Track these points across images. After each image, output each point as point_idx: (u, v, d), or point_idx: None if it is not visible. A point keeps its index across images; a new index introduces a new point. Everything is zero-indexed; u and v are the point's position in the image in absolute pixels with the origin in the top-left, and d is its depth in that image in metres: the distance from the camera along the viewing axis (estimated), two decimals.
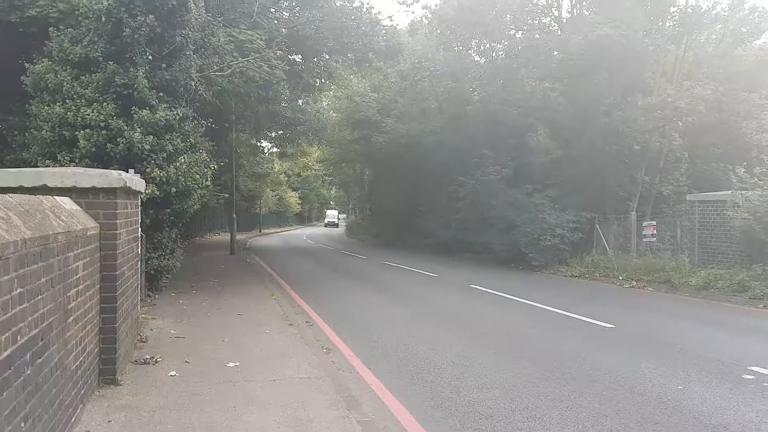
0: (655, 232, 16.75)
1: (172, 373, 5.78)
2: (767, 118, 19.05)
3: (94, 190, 5.11)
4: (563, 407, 5.19)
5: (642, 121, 17.90)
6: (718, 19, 21.38)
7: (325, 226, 74.09)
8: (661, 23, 20.75)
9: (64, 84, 9.26)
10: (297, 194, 69.90)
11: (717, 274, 12.75)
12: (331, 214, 77.71)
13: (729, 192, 14.07)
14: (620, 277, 15.17)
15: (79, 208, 4.93)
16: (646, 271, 14.76)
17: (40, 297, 3.32)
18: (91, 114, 9.00)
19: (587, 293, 13.74)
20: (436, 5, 23.78)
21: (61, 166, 8.72)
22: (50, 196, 4.39)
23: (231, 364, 6.21)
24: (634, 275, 14.94)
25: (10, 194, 3.59)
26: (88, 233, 4.65)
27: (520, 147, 23.03)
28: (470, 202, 22.66)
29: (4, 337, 2.74)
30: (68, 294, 3.97)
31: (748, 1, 20.97)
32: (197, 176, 10.29)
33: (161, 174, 9.35)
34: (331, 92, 32.35)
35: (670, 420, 4.90)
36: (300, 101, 24.77)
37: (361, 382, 6.00)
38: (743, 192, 13.21)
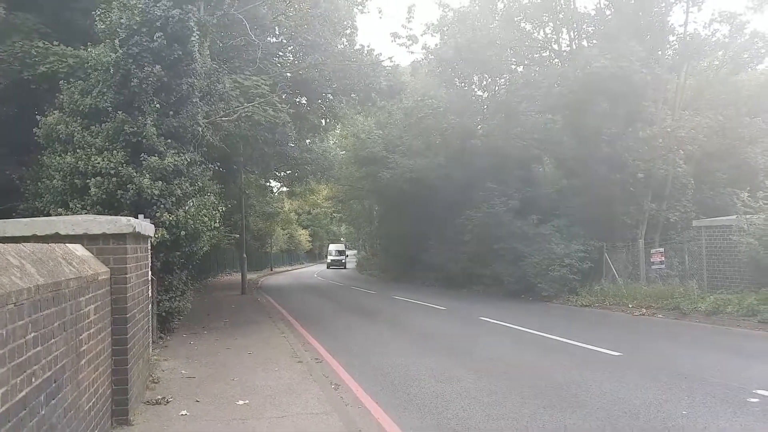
0: (663, 258, 16.71)
1: (183, 412, 5.88)
2: None
3: (105, 237, 5.33)
4: None
5: (644, 150, 18.08)
6: (719, 45, 21.72)
7: (328, 266, 58.38)
8: (660, 52, 21.13)
9: (75, 134, 9.65)
10: (307, 232, 70.24)
11: (726, 299, 12.68)
12: (336, 249, 61.14)
13: (734, 217, 14.10)
14: (630, 305, 15.10)
15: (90, 254, 5.14)
16: (656, 298, 14.70)
17: (53, 340, 3.49)
18: (101, 162, 9.34)
19: (596, 322, 13.69)
20: (435, 45, 24.43)
21: (73, 213, 9.03)
22: (62, 244, 4.61)
23: (240, 402, 6.30)
24: (643, 302, 14.87)
25: (24, 243, 3.82)
26: (99, 278, 4.85)
27: (525, 178, 23.23)
28: (477, 235, 22.77)
29: (19, 378, 2.91)
30: (80, 337, 4.14)
31: (749, 26, 21.33)
32: (206, 219, 10.56)
33: (171, 218, 9.62)
34: (338, 131, 32.99)
35: None
36: (307, 141, 25.33)
37: (368, 416, 6.05)
38: (748, 216, 13.25)
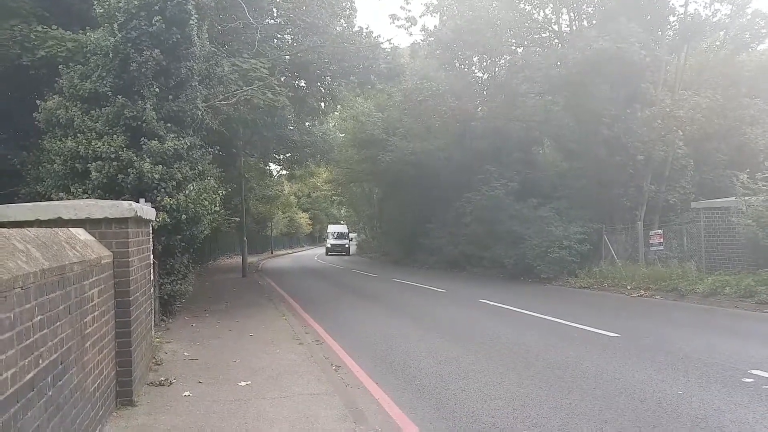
0: (662, 240, 16.79)
1: (186, 393, 5.99)
2: None
3: (107, 221, 5.38)
4: (564, 415, 5.32)
5: (644, 131, 18.06)
6: (719, 26, 21.55)
7: (327, 252, 50.32)
8: (660, 33, 20.97)
9: (75, 119, 9.64)
10: (307, 215, 70.28)
11: (724, 281, 12.79)
12: (337, 231, 52.57)
13: (733, 198, 14.15)
14: (628, 287, 15.21)
15: (93, 238, 5.20)
16: (654, 279, 14.81)
17: (59, 323, 3.56)
18: (101, 146, 9.34)
19: (595, 304, 13.81)
20: (435, 26, 24.23)
21: (75, 197, 9.07)
22: (65, 228, 4.67)
23: (243, 383, 6.41)
24: (642, 284, 14.99)
25: (28, 228, 3.87)
26: (102, 262, 4.91)
27: (525, 161, 23.26)
28: (477, 217, 22.86)
29: (27, 360, 2.98)
30: (85, 320, 4.21)
31: (750, 6, 21.14)
32: (206, 202, 10.59)
33: (171, 202, 9.65)
34: (337, 113, 32.85)
35: (668, 424, 5.02)
36: (306, 123, 25.26)
37: (368, 396, 6.16)
38: (746, 198, 13.29)
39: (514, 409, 5.55)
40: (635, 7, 19.49)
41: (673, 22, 21.51)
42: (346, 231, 53.67)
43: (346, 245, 50.77)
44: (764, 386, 5.98)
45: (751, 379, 6.24)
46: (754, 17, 21.99)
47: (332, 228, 54.84)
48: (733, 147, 19.62)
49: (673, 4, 20.99)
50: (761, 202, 12.77)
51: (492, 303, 13.55)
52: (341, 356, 8.20)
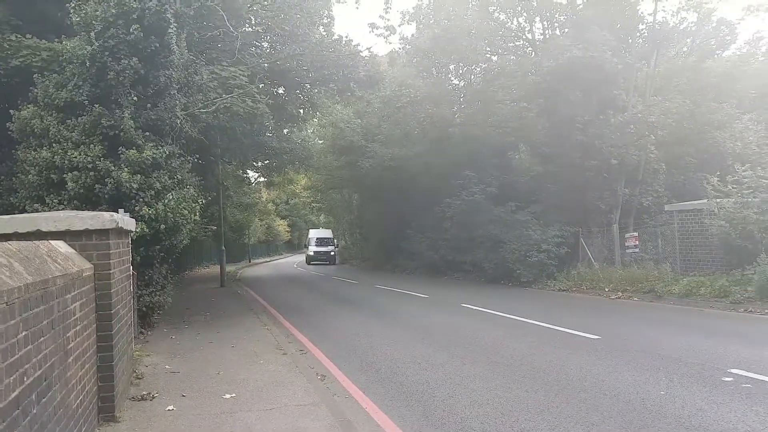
0: (637, 242, 17.12)
1: (170, 407, 5.88)
2: (739, 127, 19.71)
3: (87, 232, 5.27)
4: (552, 418, 5.37)
5: (617, 136, 18.42)
6: (686, 33, 22.19)
7: (309, 261, 44.26)
8: (630, 41, 21.47)
9: (51, 128, 9.46)
10: (286, 222, 69.71)
11: (699, 281, 13.09)
12: (319, 237, 46.05)
13: (705, 201, 14.50)
14: (606, 289, 15.46)
15: (73, 250, 5.08)
16: (631, 281, 15.07)
17: (42, 338, 3.47)
18: (78, 156, 9.18)
19: (574, 306, 13.98)
20: (412, 34, 24.43)
21: (50, 209, 8.88)
22: (46, 241, 4.56)
23: (227, 396, 6.32)
24: (619, 286, 15.24)
25: (9, 242, 3.78)
26: (84, 275, 4.81)
27: (502, 166, 23.48)
28: (457, 222, 23.00)
29: (12, 378, 2.90)
30: (67, 335, 4.11)
31: (715, 15, 21.79)
32: (186, 212, 10.45)
33: (150, 212, 9.51)
34: (316, 120, 32.77)
35: (653, 424, 5.10)
36: (285, 130, 25.13)
37: (356, 406, 6.12)
38: (718, 200, 13.62)
39: (502, 414, 5.58)
40: (606, 15, 19.93)
41: (643, 29, 22.09)
42: (331, 236, 46.20)
43: (332, 253, 44.05)
44: (744, 385, 6.12)
45: (731, 378, 6.38)
46: (719, 25, 22.72)
47: (314, 233, 47.45)
48: (703, 150, 20.13)
49: (642, 13, 21.59)
50: (732, 204, 13.11)
51: (474, 307, 13.62)
52: (327, 365, 8.14)
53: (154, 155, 9.78)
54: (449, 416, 5.62)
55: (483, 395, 6.25)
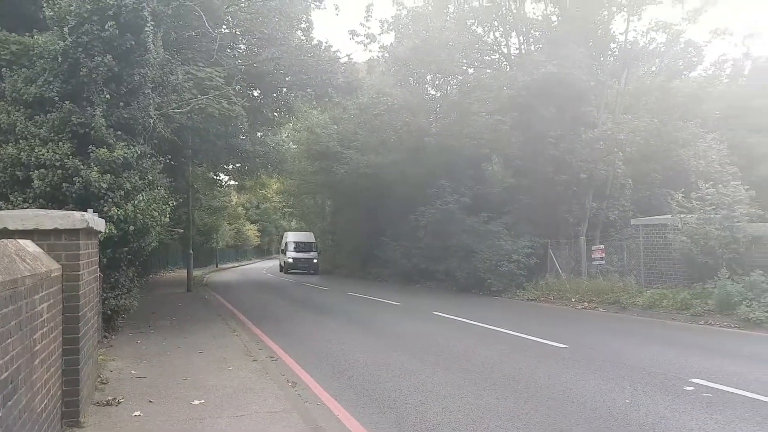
0: (603, 255, 17.50)
1: (136, 413, 5.76)
2: (702, 146, 20.39)
3: (56, 232, 5.14)
4: (521, 424, 5.45)
5: (587, 152, 18.86)
6: (655, 53, 22.88)
7: (287, 269, 38.14)
8: (602, 59, 22.05)
9: (18, 124, 9.20)
10: (255, 227, 68.89)
11: (662, 294, 13.45)
12: (299, 241, 39.35)
13: (669, 216, 14.93)
14: (573, 299, 15.75)
15: (41, 250, 4.95)
16: (597, 292, 15.40)
17: (10, 340, 3.37)
18: (46, 153, 8.95)
19: (542, 316, 14.21)
20: (390, 43, 24.61)
21: (14, 207, 8.63)
22: (14, 240, 4.43)
23: (196, 402, 6.22)
24: (585, 297, 15.55)
25: None
26: (52, 275, 4.68)
27: (476, 177, 23.75)
28: (431, 231, 23.14)
29: None
30: (34, 336, 4.00)
31: (683, 36, 22.54)
32: (156, 213, 10.27)
33: (119, 212, 9.32)
34: (291, 125, 32.63)
35: (618, 431, 5.22)
36: (259, 134, 24.94)
37: (328, 413, 6.09)
38: (682, 216, 14.05)
39: (473, 421, 5.63)
40: (579, 33, 20.44)
41: (614, 48, 22.70)
42: (313, 240, 39.32)
43: (314, 260, 37.55)
44: (704, 394, 6.32)
45: (692, 388, 6.58)
46: (686, 46, 23.51)
47: (292, 236, 40.32)
48: (668, 167, 20.74)
49: (614, 32, 22.17)
50: (695, 220, 13.52)
51: (446, 315, 13.71)
52: (297, 372, 8.07)
53: (125, 155, 9.60)
54: (421, 423, 5.64)
55: (455, 402, 6.30)
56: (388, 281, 27.05)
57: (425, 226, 23.48)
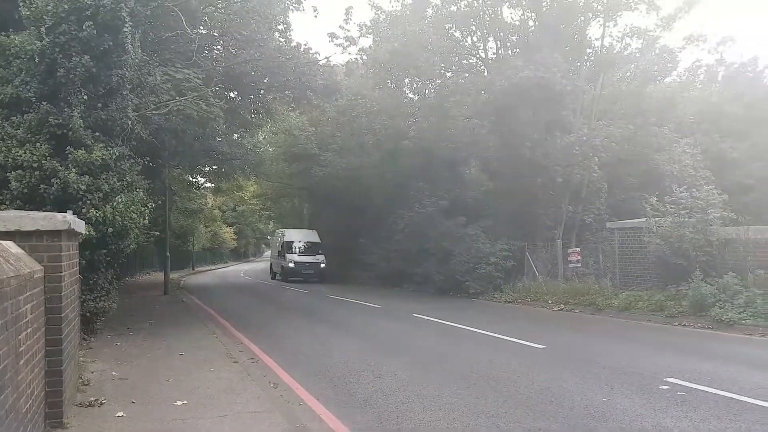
0: (579, 258, 17.81)
1: (120, 414, 5.73)
2: (676, 150, 20.90)
3: (38, 233, 5.10)
4: (501, 423, 5.57)
5: (563, 156, 19.19)
6: (631, 59, 23.38)
7: (287, 275, 31.22)
8: (578, 64, 22.46)
9: None
10: (232, 230, 68.16)
11: (637, 296, 13.76)
12: (303, 241, 32.45)
13: (644, 219, 15.27)
14: (549, 301, 16.01)
15: (23, 251, 4.91)
16: (573, 294, 15.67)
17: None
18: (23, 155, 8.83)
19: (520, 317, 14.43)
20: (369, 46, 24.69)
21: None
22: None
23: (179, 403, 6.20)
24: (562, 299, 15.81)
25: None
26: (35, 276, 4.65)
27: (454, 180, 23.97)
28: (409, 234, 23.26)
29: None
30: (19, 337, 3.98)
31: (659, 42, 23.07)
32: (134, 215, 10.17)
33: (98, 214, 9.22)
34: (268, 127, 32.46)
35: (596, 429, 5.38)
36: (236, 136, 24.79)
37: (310, 412, 6.13)
38: (656, 219, 14.39)
39: (453, 420, 5.73)
40: (556, 38, 20.80)
41: (590, 53, 23.13)
42: (318, 240, 32.19)
43: (322, 264, 30.75)
44: (679, 393, 6.52)
45: (667, 386, 6.78)
46: (661, 52, 24.04)
47: (293, 235, 33.26)
48: (642, 171, 21.19)
49: (590, 37, 22.61)
50: (669, 224, 13.86)
51: (426, 317, 13.82)
52: (279, 373, 8.08)
53: (104, 156, 9.51)
54: (402, 421, 5.72)
55: (435, 401, 6.40)
56: (367, 284, 27.09)
57: (403, 228, 23.60)
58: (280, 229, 37.39)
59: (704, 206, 13.61)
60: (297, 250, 31.97)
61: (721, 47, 28.78)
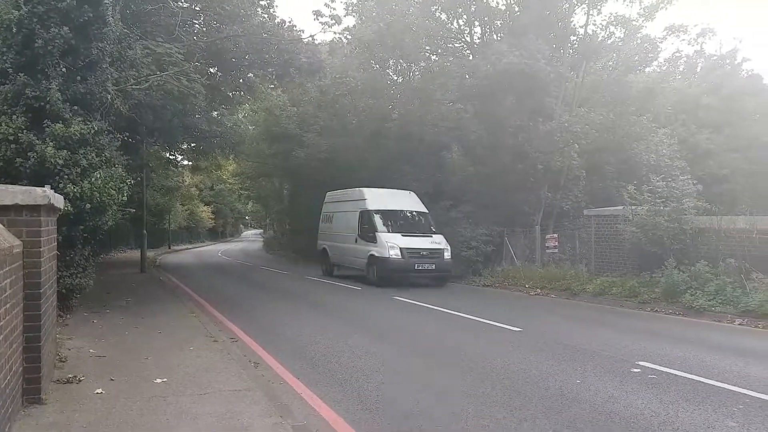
0: (557, 243, 18.09)
1: (99, 390, 5.71)
2: (654, 140, 21.22)
3: (17, 208, 5.02)
4: (479, 403, 5.71)
5: (544, 143, 19.35)
6: (613, 48, 23.54)
7: (380, 269, 17.03)
8: (562, 51, 22.55)
9: None
10: (210, 209, 67.41)
11: (611, 282, 14.07)
12: (398, 209, 18.83)
13: (621, 207, 15.55)
14: (527, 286, 16.27)
15: (1, 226, 4.84)
16: (550, 279, 15.95)
17: None
18: None
19: (498, 301, 14.64)
20: (354, 26, 24.42)
21: None
22: None
23: (159, 380, 6.20)
24: (539, 283, 16.08)
25: None
26: (14, 251, 4.59)
27: (437, 164, 23.96)
28: None
29: None
30: None
31: (641, 31, 23.26)
32: (113, 192, 10.02)
33: (75, 190, 9.05)
34: (248, 105, 32.02)
35: (569, 409, 5.54)
36: (215, 113, 24.43)
37: (292, 392, 6.19)
38: (633, 207, 14.65)
39: (431, 397, 5.87)
40: (541, 24, 20.83)
41: (574, 41, 23.23)
42: (424, 208, 19.63)
43: (446, 253, 17.75)
44: (650, 375, 6.73)
45: (639, 370, 6.99)
46: (643, 42, 24.23)
47: (379, 198, 19.32)
48: (621, 160, 21.48)
49: (574, 25, 22.68)
50: (645, 212, 14.13)
51: (405, 300, 13.94)
52: (259, 353, 8.12)
53: (82, 131, 9.30)
54: (382, 399, 5.82)
55: (413, 381, 6.52)
56: None
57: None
58: (352, 189, 20.84)
59: (679, 196, 13.89)
60: (393, 227, 17.93)
61: (701, 39, 29.16)
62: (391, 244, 16.97)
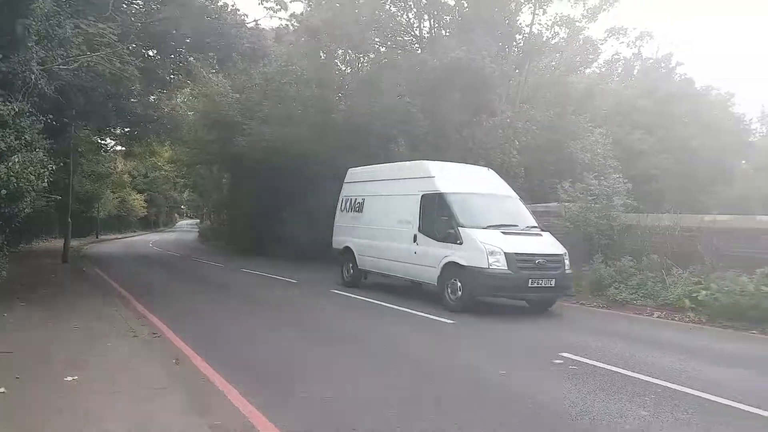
0: None
1: (1, 390, 5.33)
2: (590, 139, 21.95)
3: None
4: (407, 395, 5.76)
5: (487, 139, 19.66)
6: (557, 48, 24.13)
7: (481, 288, 10.75)
8: (507, 49, 22.92)
9: None
10: (143, 197, 64.33)
11: None
12: (482, 195, 12.32)
13: (555, 204, 15.99)
14: None
15: None
16: None
17: None
18: None
19: (433, 295, 14.61)
20: (301, 13, 23.98)
21: None
22: None
23: (69, 378, 5.85)
24: None
25: None
26: None
27: (385, 157, 23.77)
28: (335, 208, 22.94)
29: None
30: None
31: (584, 32, 23.93)
32: (32, 177, 9.45)
33: None
34: (188, 90, 30.92)
35: (495, 397, 5.73)
36: (152, 97, 23.49)
37: (213, 389, 5.93)
38: (566, 204, 15.11)
39: (353, 389, 5.90)
40: (489, 21, 21.07)
41: (519, 39, 23.65)
42: (515, 194, 13.55)
43: (565, 260, 11.35)
44: (571, 366, 6.93)
45: (561, 361, 7.18)
46: (585, 43, 24.99)
47: (457, 180, 12.52)
48: (559, 158, 22.09)
49: (521, 23, 23.09)
50: (578, 208, 14.63)
51: (344, 293, 13.77)
52: (182, 349, 7.70)
53: (1, 112, 8.74)
54: (309, 396, 5.69)
55: (338, 373, 6.51)
56: (288, 259, 26.61)
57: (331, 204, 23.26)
58: (403, 163, 15.49)
59: (610, 193, 14.41)
60: (482, 220, 11.60)
61: (639, 42, 30.34)
62: (491, 247, 10.64)
